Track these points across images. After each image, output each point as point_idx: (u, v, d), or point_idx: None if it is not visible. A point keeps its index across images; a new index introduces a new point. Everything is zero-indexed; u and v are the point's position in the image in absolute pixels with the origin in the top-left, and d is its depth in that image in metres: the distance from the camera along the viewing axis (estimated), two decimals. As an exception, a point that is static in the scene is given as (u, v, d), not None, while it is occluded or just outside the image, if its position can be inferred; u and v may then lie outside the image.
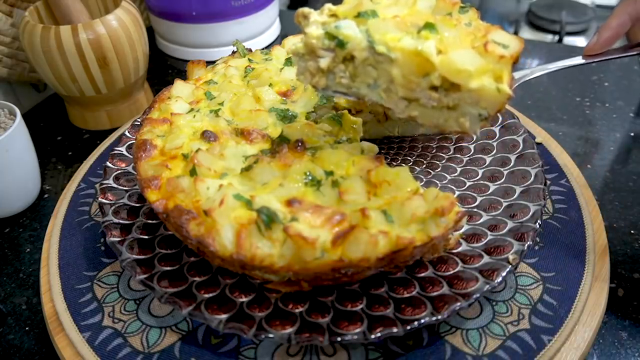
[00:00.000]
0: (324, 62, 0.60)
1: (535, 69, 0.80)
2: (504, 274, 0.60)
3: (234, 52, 0.92)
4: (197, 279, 0.64)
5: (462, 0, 0.64)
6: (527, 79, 0.80)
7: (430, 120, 0.59)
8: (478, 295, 0.58)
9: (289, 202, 0.58)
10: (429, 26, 0.56)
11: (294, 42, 0.62)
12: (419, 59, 0.54)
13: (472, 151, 0.84)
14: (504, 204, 0.72)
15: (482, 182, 0.77)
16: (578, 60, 0.79)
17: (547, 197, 0.73)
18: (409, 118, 0.60)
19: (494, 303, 0.64)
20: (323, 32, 0.59)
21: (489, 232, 0.68)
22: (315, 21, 0.60)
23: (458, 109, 0.57)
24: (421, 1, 0.61)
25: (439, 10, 0.60)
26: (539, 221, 0.67)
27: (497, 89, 0.53)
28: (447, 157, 0.84)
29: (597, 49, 0.76)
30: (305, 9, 0.61)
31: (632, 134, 1.02)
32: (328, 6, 0.61)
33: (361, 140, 0.71)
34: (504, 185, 0.75)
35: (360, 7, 0.58)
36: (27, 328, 0.70)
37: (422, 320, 0.56)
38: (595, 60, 0.77)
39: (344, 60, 0.60)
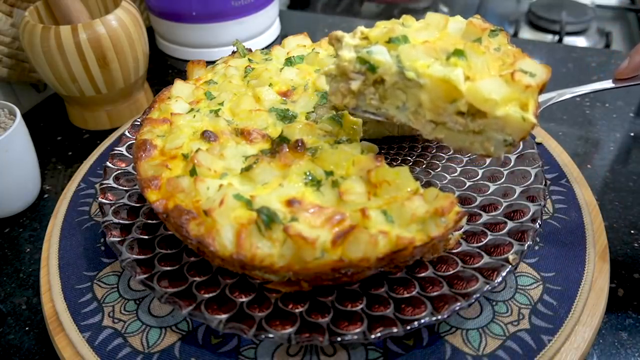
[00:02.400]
0: (355, 85, 0.62)
1: (563, 92, 0.80)
2: (504, 274, 0.60)
3: (234, 52, 0.92)
4: (197, 279, 0.64)
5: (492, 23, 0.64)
6: (555, 101, 0.80)
7: (456, 143, 0.61)
8: (478, 295, 0.58)
9: (289, 202, 0.58)
10: (458, 53, 0.57)
11: (328, 65, 0.65)
12: (447, 86, 0.56)
13: (472, 151, 0.84)
14: (504, 204, 0.72)
15: (482, 182, 0.77)
16: (608, 84, 0.78)
17: (547, 197, 0.73)
18: (435, 139, 0.62)
19: (494, 303, 0.64)
20: (355, 56, 0.61)
21: (489, 232, 0.68)
22: (348, 44, 0.61)
23: (484, 134, 0.58)
24: (452, 25, 0.62)
25: (469, 35, 0.61)
26: (539, 221, 0.67)
27: (523, 117, 0.54)
28: (447, 157, 0.84)
29: (628, 72, 0.75)
30: (339, 32, 0.63)
31: (632, 134, 1.02)
32: (360, 29, 0.62)
33: (361, 140, 0.71)
34: (504, 185, 0.75)
35: (392, 32, 0.60)
36: (27, 328, 0.70)
37: (422, 320, 0.56)
38: (626, 84, 0.76)
39: (374, 83, 0.62)
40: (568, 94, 0.80)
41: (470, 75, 0.56)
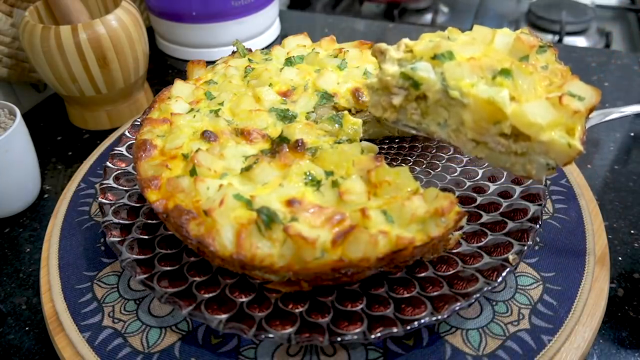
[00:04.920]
0: (396, 100, 0.61)
1: (609, 111, 0.77)
2: (504, 274, 0.60)
3: (234, 52, 0.92)
4: (197, 279, 0.64)
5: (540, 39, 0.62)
6: (599, 122, 0.77)
7: (496, 163, 0.59)
8: (478, 295, 0.58)
9: (289, 202, 0.58)
10: (505, 72, 0.55)
11: (370, 77, 0.63)
12: (492, 107, 0.54)
13: (472, 151, 0.84)
14: (504, 204, 0.72)
15: (482, 182, 0.77)
16: None
17: (547, 197, 0.73)
18: (476, 158, 0.61)
19: (494, 303, 0.64)
20: (398, 70, 0.59)
21: (489, 232, 0.68)
22: (391, 58, 0.60)
23: (526, 156, 0.57)
24: (499, 38, 0.60)
25: (516, 51, 0.59)
26: (539, 221, 0.67)
27: (569, 144, 0.53)
28: (447, 157, 0.84)
29: None
30: (383, 45, 0.61)
31: (632, 134, 1.02)
32: (405, 42, 0.61)
33: (361, 140, 0.71)
34: (504, 185, 0.75)
35: (437, 48, 0.58)
36: (27, 328, 0.70)
37: (422, 320, 0.56)
38: None
39: (416, 98, 0.61)
40: (616, 113, 0.76)
41: (516, 96, 0.54)
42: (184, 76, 0.87)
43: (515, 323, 0.62)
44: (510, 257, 0.62)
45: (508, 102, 0.54)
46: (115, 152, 0.83)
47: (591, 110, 0.54)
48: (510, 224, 0.68)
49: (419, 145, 0.87)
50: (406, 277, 0.64)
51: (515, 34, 0.61)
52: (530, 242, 0.64)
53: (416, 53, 0.59)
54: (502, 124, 0.55)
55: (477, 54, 0.58)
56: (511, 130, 0.55)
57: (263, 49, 0.94)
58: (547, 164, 0.56)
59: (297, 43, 0.92)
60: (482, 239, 0.67)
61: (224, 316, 0.58)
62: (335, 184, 0.60)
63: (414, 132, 0.64)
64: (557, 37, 1.60)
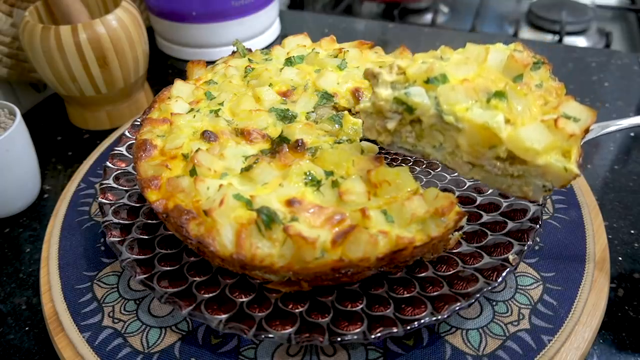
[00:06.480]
0: (391, 124, 0.61)
1: (606, 124, 0.76)
2: (504, 274, 0.60)
3: (234, 52, 0.92)
4: (197, 279, 0.64)
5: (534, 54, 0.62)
6: (596, 135, 0.76)
7: (493, 184, 0.60)
8: (478, 295, 0.58)
9: (289, 202, 0.58)
10: (499, 95, 0.55)
11: (364, 101, 0.62)
12: (487, 132, 0.54)
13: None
14: (504, 204, 0.72)
15: (482, 182, 0.77)
16: None
17: (547, 197, 0.73)
18: (472, 179, 0.61)
19: (494, 303, 0.64)
20: (392, 94, 0.59)
21: (489, 232, 0.68)
22: (384, 81, 0.60)
23: (522, 179, 0.57)
24: (492, 55, 0.60)
25: (510, 70, 0.59)
26: (539, 221, 0.67)
27: (565, 168, 0.53)
28: (447, 157, 0.84)
29: None
30: (375, 69, 0.61)
31: (632, 134, 1.02)
32: (398, 63, 0.60)
33: (361, 140, 0.71)
34: (504, 185, 0.75)
35: (430, 71, 0.57)
36: (27, 328, 0.70)
37: (422, 320, 0.56)
38: None
39: (411, 122, 0.61)
40: (613, 126, 0.76)
41: (511, 119, 0.54)
42: (184, 76, 0.87)
43: (516, 323, 0.62)
44: (511, 257, 0.63)
45: (503, 127, 0.54)
46: (115, 152, 0.83)
47: (587, 131, 0.55)
48: (510, 224, 0.68)
49: (419, 145, 0.87)
50: (406, 277, 0.64)
51: (508, 51, 0.60)
52: (530, 242, 0.64)
53: (409, 76, 0.59)
54: (497, 148, 0.55)
55: (470, 75, 0.58)
56: (507, 154, 0.55)
57: (263, 49, 0.94)
58: (543, 186, 0.56)
59: (297, 43, 0.92)
60: (482, 239, 0.67)
61: (224, 316, 0.58)
62: (335, 184, 0.60)
63: (409, 153, 0.64)
64: (557, 37, 1.60)
